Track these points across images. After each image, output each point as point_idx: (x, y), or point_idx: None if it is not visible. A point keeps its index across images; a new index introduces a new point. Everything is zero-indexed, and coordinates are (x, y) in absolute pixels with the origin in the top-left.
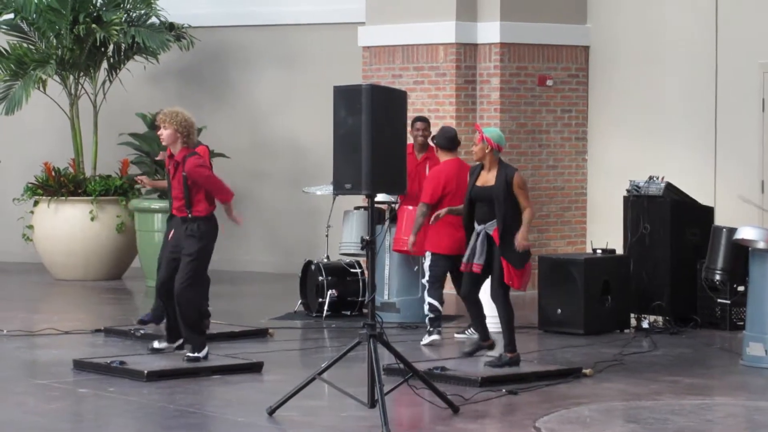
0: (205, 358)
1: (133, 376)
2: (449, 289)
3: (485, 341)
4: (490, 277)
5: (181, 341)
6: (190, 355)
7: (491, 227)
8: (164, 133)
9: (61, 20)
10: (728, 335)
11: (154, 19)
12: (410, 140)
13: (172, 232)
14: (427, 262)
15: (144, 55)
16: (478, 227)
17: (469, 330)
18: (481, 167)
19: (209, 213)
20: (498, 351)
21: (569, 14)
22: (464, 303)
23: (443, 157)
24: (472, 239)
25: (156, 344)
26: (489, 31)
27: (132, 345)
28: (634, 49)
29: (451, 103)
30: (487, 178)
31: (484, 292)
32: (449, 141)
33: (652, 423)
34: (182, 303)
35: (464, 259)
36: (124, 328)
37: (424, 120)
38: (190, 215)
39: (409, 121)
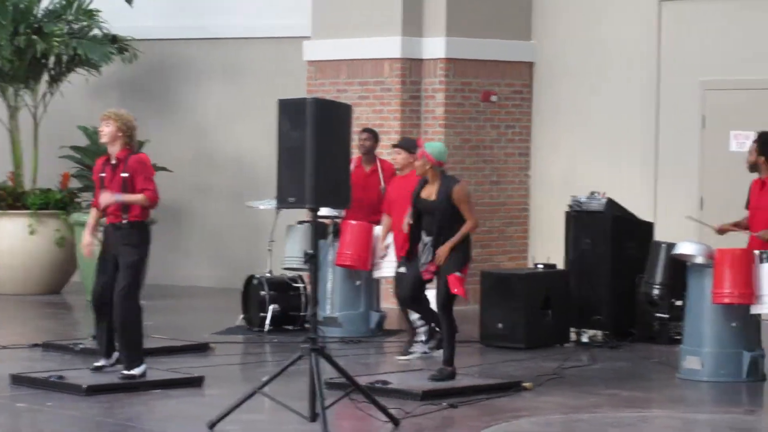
0: (143, 376)
1: (71, 391)
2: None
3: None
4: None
5: (115, 359)
6: (126, 372)
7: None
8: (105, 130)
9: (1, 31)
10: (666, 349)
11: (96, 31)
12: (357, 153)
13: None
14: None
15: (86, 68)
16: (425, 237)
17: (411, 350)
18: (426, 181)
19: (145, 218)
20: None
21: (514, 31)
22: (404, 305)
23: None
24: (419, 249)
25: (96, 363)
26: (434, 47)
27: (71, 359)
28: (578, 66)
29: (396, 118)
30: (431, 191)
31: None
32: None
33: None
34: (122, 314)
35: (421, 269)
36: (63, 343)
37: (370, 131)
38: (125, 220)
39: (355, 135)
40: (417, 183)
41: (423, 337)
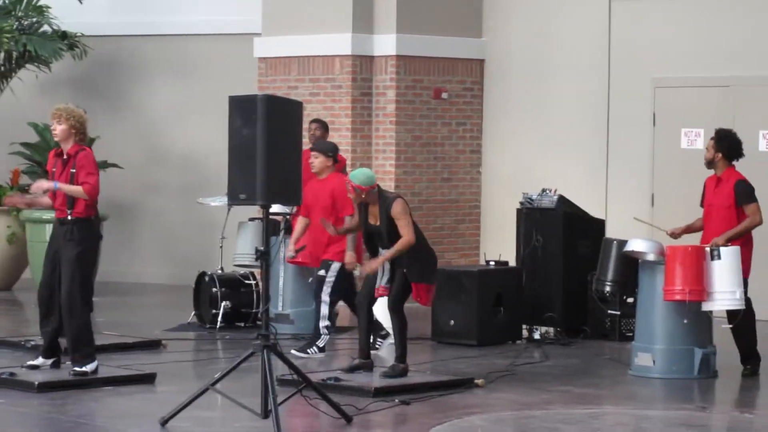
0: (94, 372)
1: (23, 388)
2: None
3: (366, 359)
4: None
5: (55, 358)
6: (77, 369)
7: None
8: (58, 129)
9: None
10: (617, 346)
11: (46, 27)
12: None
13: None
14: (332, 273)
15: (36, 64)
16: (382, 251)
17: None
18: (367, 205)
19: (89, 215)
20: (391, 361)
21: (464, 28)
22: (356, 310)
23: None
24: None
25: (31, 361)
26: (385, 44)
27: (23, 356)
28: (529, 63)
29: (347, 115)
30: (375, 214)
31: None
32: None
33: None
34: (69, 311)
35: (383, 283)
36: (15, 339)
37: (319, 121)
38: (69, 216)
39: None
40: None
41: (383, 332)
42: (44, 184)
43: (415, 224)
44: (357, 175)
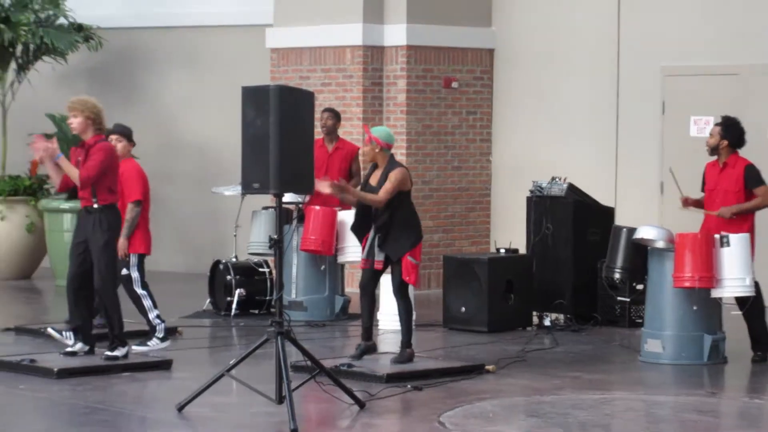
0: (125, 357)
1: (43, 374)
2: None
3: (369, 340)
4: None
5: (90, 345)
6: (109, 354)
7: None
8: (74, 122)
9: None
10: (627, 332)
11: (62, 20)
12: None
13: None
14: (134, 268)
15: (53, 56)
16: (375, 224)
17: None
18: (375, 166)
19: (113, 202)
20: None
21: (474, 17)
22: (361, 294)
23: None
24: (369, 237)
25: (69, 347)
26: (395, 34)
27: (43, 343)
28: (538, 52)
29: (358, 105)
30: (377, 176)
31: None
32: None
33: (554, 417)
34: (105, 297)
35: (363, 255)
36: (35, 327)
37: (331, 110)
38: (96, 204)
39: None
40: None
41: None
42: (52, 148)
43: (409, 203)
44: (378, 129)
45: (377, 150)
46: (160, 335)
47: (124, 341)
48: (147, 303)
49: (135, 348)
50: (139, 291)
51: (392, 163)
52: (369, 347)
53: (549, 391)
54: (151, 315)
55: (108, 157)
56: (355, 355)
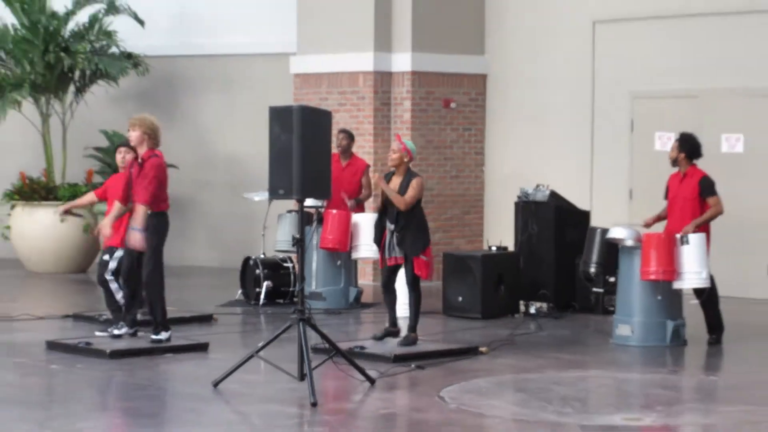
0: (168, 340)
1: (97, 355)
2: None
3: (394, 327)
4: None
5: (135, 329)
6: (154, 337)
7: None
8: (133, 135)
9: (34, 50)
10: (601, 319)
11: (114, 49)
12: (336, 151)
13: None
14: (114, 258)
15: (106, 80)
16: (389, 226)
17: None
18: (393, 173)
19: (163, 210)
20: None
21: (469, 47)
22: (384, 291)
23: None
24: (387, 237)
25: (115, 331)
26: (402, 61)
27: (97, 328)
28: (525, 78)
29: (370, 123)
30: (396, 183)
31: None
32: None
33: (538, 392)
34: (151, 290)
35: (387, 255)
36: (90, 314)
37: (346, 131)
38: (149, 212)
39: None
40: None
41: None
42: (136, 238)
43: (421, 209)
44: (409, 142)
45: (405, 159)
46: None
47: (167, 326)
48: (113, 286)
49: (98, 333)
50: (110, 277)
51: (411, 172)
52: (391, 332)
53: (534, 369)
54: (118, 296)
55: (160, 172)
56: (378, 336)
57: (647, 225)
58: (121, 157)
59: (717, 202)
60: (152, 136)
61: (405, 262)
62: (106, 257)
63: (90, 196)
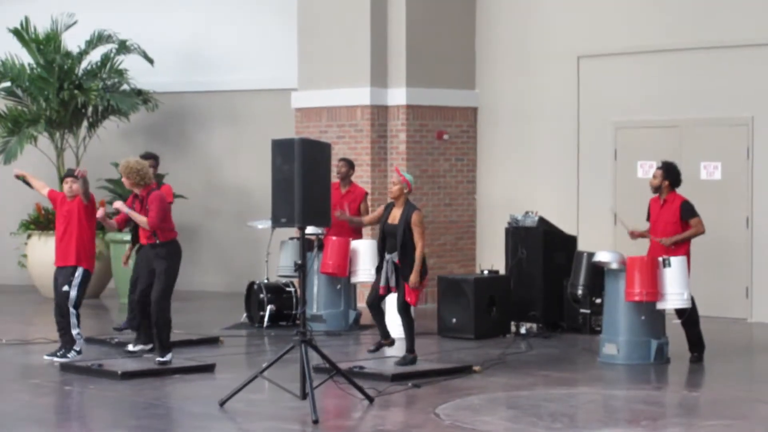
0: (170, 362)
1: (109, 376)
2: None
3: (386, 339)
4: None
5: (151, 345)
6: (160, 359)
7: (396, 256)
8: (126, 183)
9: (49, 87)
10: (588, 338)
11: (125, 86)
12: (335, 179)
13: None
14: (75, 286)
15: (117, 116)
16: (387, 255)
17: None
18: (393, 205)
19: (172, 238)
20: (402, 353)
21: (461, 82)
22: (370, 310)
23: None
24: (384, 266)
25: (130, 347)
26: (397, 96)
27: (108, 351)
28: (513, 110)
29: (367, 154)
30: (395, 215)
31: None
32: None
33: (529, 409)
34: (157, 313)
35: (381, 283)
36: (102, 337)
37: (345, 160)
38: (157, 241)
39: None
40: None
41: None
42: (121, 205)
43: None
44: (407, 174)
45: (405, 190)
46: (77, 348)
47: (169, 348)
48: (73, 320)
49: (51, 357)
50: (72, 309)
51: (409, 205)
52: (383, 344)
53: (525, 387)
54: (74, 331)
55: (163, 203)
56: (372, 349)
57: (632, 235)
58: (68, 186)
59: (698, 222)
60: (139, 177)
61: (397, 288)
62: (66, 288)
63: (44, 185)
